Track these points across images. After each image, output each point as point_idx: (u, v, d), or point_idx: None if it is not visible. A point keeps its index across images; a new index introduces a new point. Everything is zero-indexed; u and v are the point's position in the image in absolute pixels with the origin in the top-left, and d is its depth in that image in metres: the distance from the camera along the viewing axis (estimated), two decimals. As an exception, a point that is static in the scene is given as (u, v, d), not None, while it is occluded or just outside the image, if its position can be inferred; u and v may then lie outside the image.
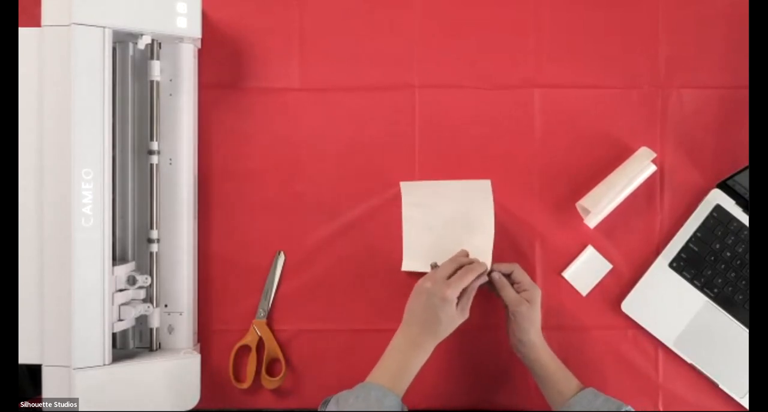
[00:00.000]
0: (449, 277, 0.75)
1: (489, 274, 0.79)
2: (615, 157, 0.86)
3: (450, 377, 0.86)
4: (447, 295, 0.73)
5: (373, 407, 0.68)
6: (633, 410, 0.71)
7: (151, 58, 0.81)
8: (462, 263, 0.77)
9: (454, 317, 0.75)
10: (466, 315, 0.76)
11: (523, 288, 0.78)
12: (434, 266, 0.80)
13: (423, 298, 0.75)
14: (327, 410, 0.70)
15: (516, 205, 0.86)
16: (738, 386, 0.83)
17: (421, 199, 0.85)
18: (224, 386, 0.86)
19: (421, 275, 0.79)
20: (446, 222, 0.84)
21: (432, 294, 0.74)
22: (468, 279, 0.75)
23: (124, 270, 0.78)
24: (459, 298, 0.75)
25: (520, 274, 0.79)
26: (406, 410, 0.71)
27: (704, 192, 0.85)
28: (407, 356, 0.74)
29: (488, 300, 0.84)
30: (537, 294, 0.77)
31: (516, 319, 0.77)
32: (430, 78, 0.87)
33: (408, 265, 0.85)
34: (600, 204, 0.81)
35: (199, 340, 0.86)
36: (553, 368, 0.77)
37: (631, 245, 0.86)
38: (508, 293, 0.78)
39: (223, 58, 0.87)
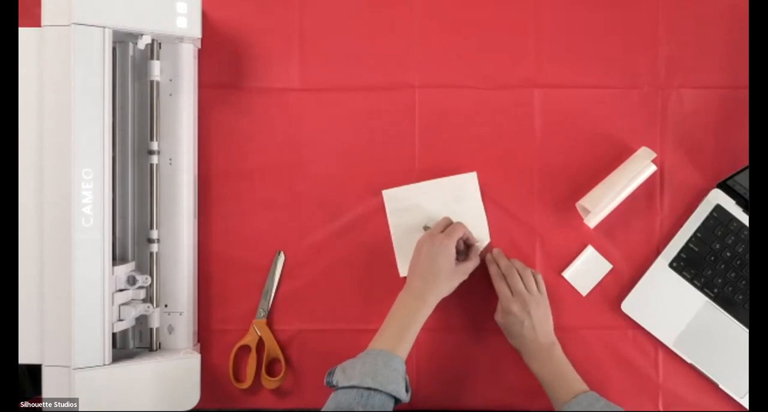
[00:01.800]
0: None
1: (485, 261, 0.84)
2: (615, 157, 0.86)
3: (450, 377, 0.86)
4: (444, 241, 0.77)
5: (381, 372, 0.68)
6: None
7: (151, 58, 0.81)
8: (453, 221, 0.83)
9: (453, 268, 0.78)
10: (466, 274, 0.80)
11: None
12: (426, 228, 0.84)
13: (423, 250, 0.78)
14: (333, 380, 0.70)
15: (516, 205, 0.86)
16: (738, 386, 0.83)
17: (406, 203, 0.86)
18: (224, 386, 0.86)
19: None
20: (436, 220, 0.85)
21: (431, 243, 0.78)
22: (461, 230, 0.80)
23: (124, 270, 0.78)
24: (461, 258, 0.80)
25: (521, 278, 0.81)
26: (407, 378, 0.72)
27: (704, 192, 0.85)
28: (411, 311, 0.75)
29: (493, 301, 0.84)
30: (509, 306, 0.79)
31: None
32: (430, 78, 0.87)
33: (405, 270, 0.85)
34: (600, 204, 0.81)
35: (199, 340, 0.86)
36: (544, 378, 0.77)
37: (631, 245, 0.86)
38: (499, 295, 0.82)
39: (223, 58, 0.87)
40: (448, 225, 0.81)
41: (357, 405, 0.65)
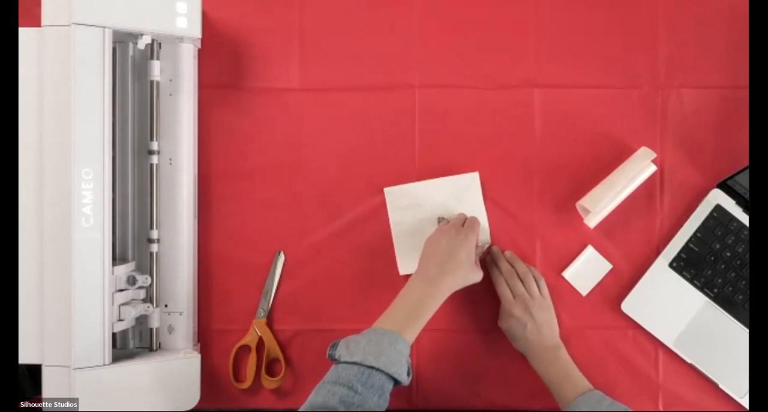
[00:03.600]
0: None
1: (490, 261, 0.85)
2: (615, 157, 0.86)
3: (452, 377, 0.86)
4: (469, 235, 0.77)
5: (386, 352, 0.67)
6: None
7: (151, 58, 0.81)
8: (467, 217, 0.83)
9: (472, 262, 0.77)
10: (480, 272, 0.79)
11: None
12: (441, 220, 0.84)
13: (444, 239, 0.77)
14: (336, 353, 0.69)
15: (516, 205, 0.86)
16: (738, 386, 0.83)
17: (408, 201, 0.86)
18: (224, 386, 0.86)
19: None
20: (442, 216, 0.85)
21: (454, 235, 0.77)
22: (478, 225, 0.81)
23: (124, 270, 0.78)
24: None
25: (522, 281, 0.82)
26: (410, 361, 0.71)
27: (704, 192, 0.85)
28: (423, 295, 0.73)
29: (495, 301, 0.84)
30: (511, 309, 0.80)
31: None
32: (430, 78, 0.87)
33: (405, 268, 0.85)
34: (600, 204, 0.81)
35: (199, 340, 0.86)
36: (550, 379, 0.78)
37: (631, 245, 0.86)
38: (501, 298, 0.82)
39: (223, 58, 0.87)
40: (465, 220, 0.81)
41: (357, 382, 0.65)
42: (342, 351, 0.68)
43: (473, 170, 0.86)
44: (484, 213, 0.86)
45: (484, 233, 0.85)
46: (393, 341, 0.69)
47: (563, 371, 0.77)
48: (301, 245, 0.87)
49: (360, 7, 0.88)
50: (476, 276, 0.78)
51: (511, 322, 0.80)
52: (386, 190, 0.86)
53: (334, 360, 0.69)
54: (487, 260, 0.85)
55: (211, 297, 0.87)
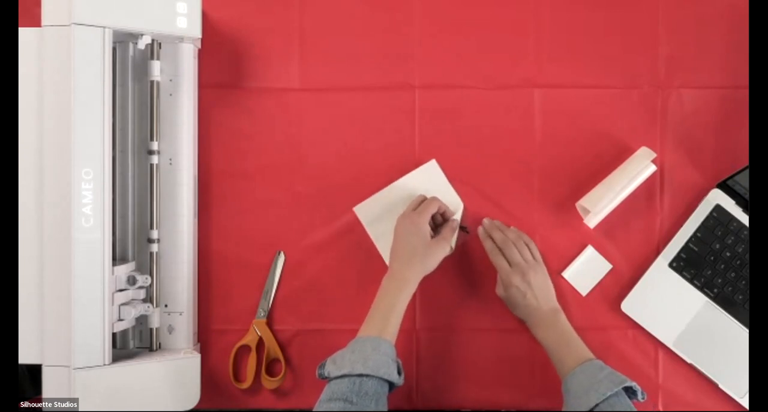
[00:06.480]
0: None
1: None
2: (615, 157, 0.86)
3: (451, 376, 0.86)
4: (416, 219, 0.78)
5: (371, 357, 0.68)
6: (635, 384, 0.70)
7: (151, 58, 0.81)
8: (426, 198, 0.84)
9: (428, 244, 0.77)
10: (447, 247, 0.79)
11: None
12: None
13: (398, 231, 0.79)
14: (325, 372, 0.70)
15: (516, 205, 0.86)
16: (738, 386, 0.83)
17: (379, 211, 0.85)
18: (224, 386, 0.86)
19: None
20: None
21: (403, 224, 0.79)
22: (434, 205, 0.80)
23: (124, 270, 0.78)
24: (438, 229, 0.80)
25: (516, 246, 0.82)
26: (399, 361, 0.72)
27: (704, 192, 0.85)
28: (393, 293, 0.75)
29: (495, 301, 0.84)
30: (510, 279, 0.79)
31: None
32: (430, 78, 0.87)
33: None
34: (600, 204, 0.81)
35: (199, 340, 0.86)
36: (549, 345, 0.77)
37: (631, 245, 0.86)
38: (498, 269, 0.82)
39: (223, 58, 0.87)
40: (422, 202, 0.82)
41: (351, 393, 0.65)
42: (330, 368, 0.69)
43: (473, 170, 0.86)
44: (454, 193, 0.86)
45: (456, 205, 0.85)
46: (376, 345, 0.69)
47: (562, 335, 0.77)
48: (301, 245, 0.87)
49: (360, 7, 0.88)
50: (441, 252, 0.78)
51: (510, 291, 0.80)
52: (356, 209, 0.85)
53: (324, 379, 0.70)
54: (480, 233, 0.84)
55: (211, 297, 0.87)
